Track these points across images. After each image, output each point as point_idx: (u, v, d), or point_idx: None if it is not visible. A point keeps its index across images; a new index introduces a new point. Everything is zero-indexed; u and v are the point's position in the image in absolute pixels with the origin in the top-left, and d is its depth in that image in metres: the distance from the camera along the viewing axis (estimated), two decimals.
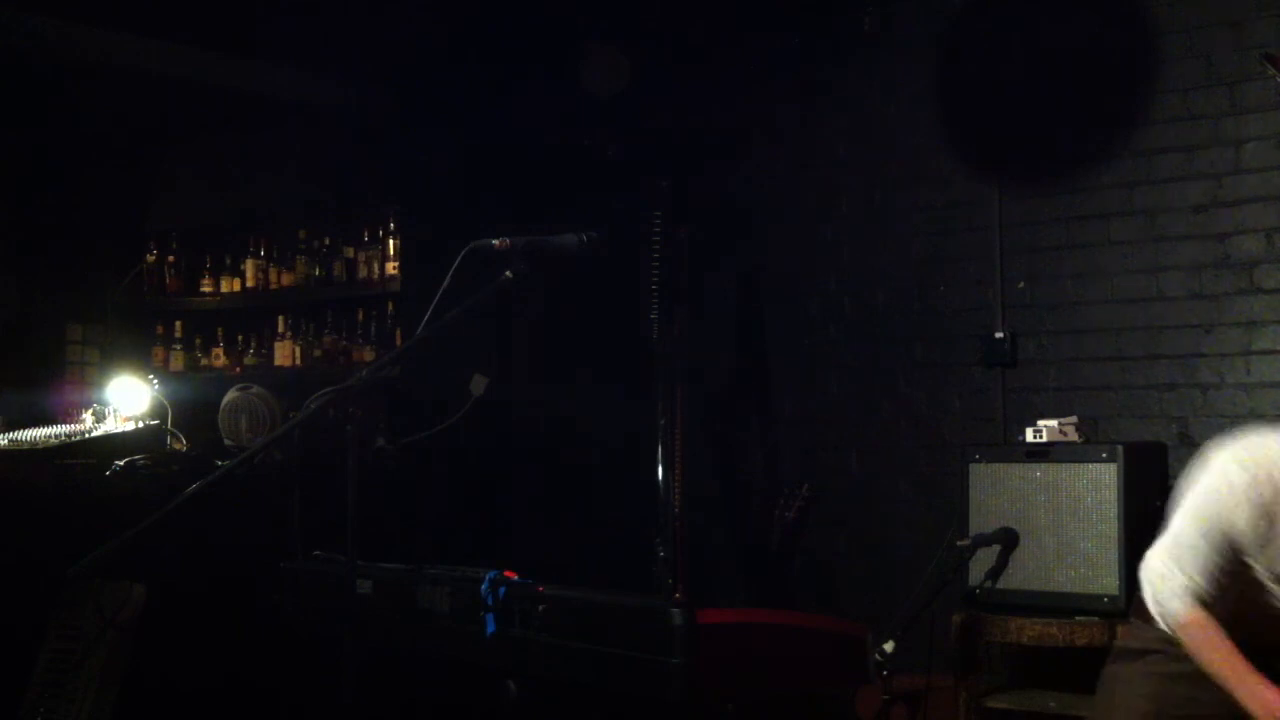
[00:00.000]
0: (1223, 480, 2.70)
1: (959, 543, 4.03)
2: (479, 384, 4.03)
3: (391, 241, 5.36)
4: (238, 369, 5.71)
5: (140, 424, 4.15)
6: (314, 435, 2.87)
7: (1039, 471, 3.99)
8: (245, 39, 5.00)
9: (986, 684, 4.08)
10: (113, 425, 4.13)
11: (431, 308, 2.52)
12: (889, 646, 3.70)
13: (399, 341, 5.25)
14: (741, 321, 5.30)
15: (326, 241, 5.62)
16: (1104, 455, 3.88)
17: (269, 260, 5.77)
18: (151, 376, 4.55)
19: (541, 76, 5.28)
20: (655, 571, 4.53)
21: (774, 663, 2.15)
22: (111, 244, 6.01)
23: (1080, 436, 4.13)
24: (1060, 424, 4.11)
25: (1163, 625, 2.73)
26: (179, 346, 5.90)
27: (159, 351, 5.93)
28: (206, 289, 5.92)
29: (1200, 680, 2.66)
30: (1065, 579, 3.89)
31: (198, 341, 5.91)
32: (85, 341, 5.87)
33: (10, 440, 4.05)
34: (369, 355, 5.35)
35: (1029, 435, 4.11)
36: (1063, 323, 4.51)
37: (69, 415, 4.33)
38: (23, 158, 5.39)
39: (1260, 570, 2.67)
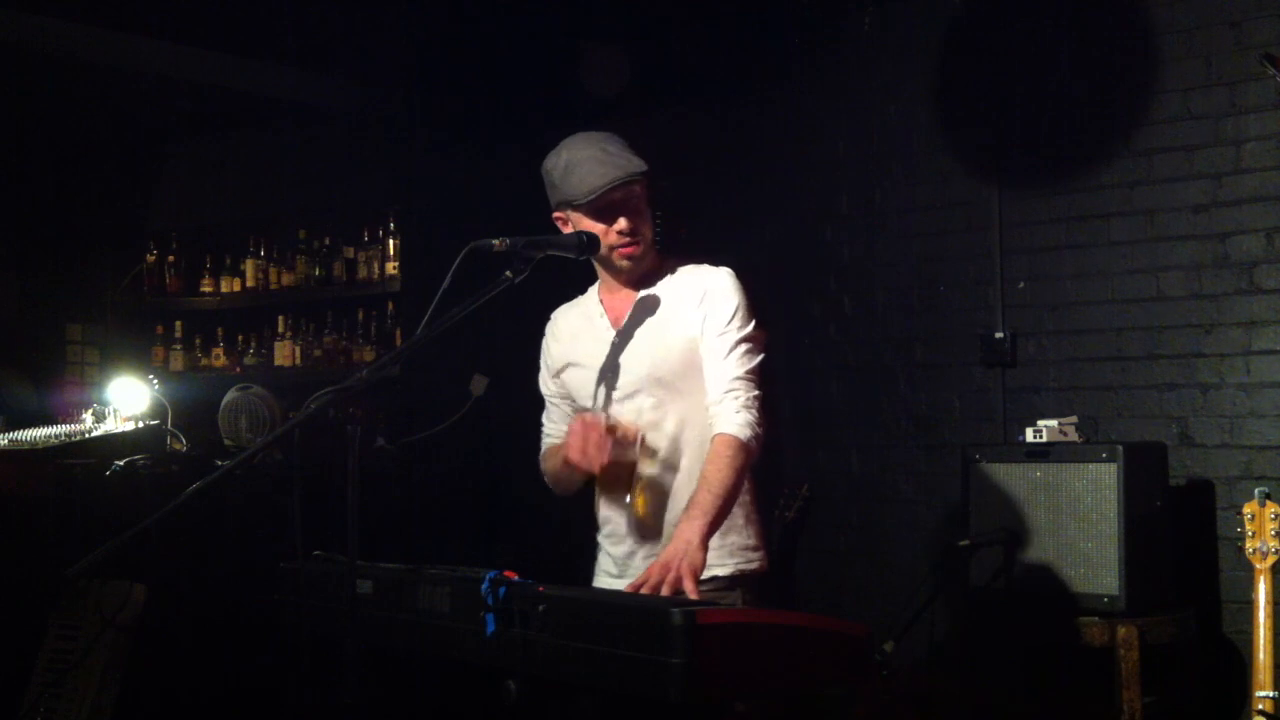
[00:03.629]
0: None
1: (959, 543, 4.04)
2: (479, 384, 4.03)
3: (391, 241, 5.36)
4: (238, 369, 5.72)
5: (140, 424, 4.14)
6: (314, 435, 2.87)
7: (1039, 471, 4.00)
8: (245, 39, 5.00)
9: (986, 684, 4.09)
10: (113, 425, 4.12)
11: (431, 308, 2.52)
12: (889, 646, 3.72)
13: (399, 341, 5.26)
14: None
15: (326, 241, 5.63)
16: (1104, 455, 3.89)
17: (269, 260, 5.77)
18: (151, 376, 4.54)
19: (541, 76, 5.28)
20: None
21: (774, 663, 2.15)
22: (111, 244, 6.01)
23: (1080, 436, 4.13)
24: (1060, 424, 4.11)
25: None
26: (179, 346, 5.90)
27: (159, 351, 5.93)
28: (206, 289, 5.93)
29: None
30: (1065, 579, 3.89)
31: (198, 341, 5.92)
32: (85, 341, 5.87)
33: (10, 440, 4.04)
34: (369, 355, 5.36)
35: (1029, 435, 4.11)
36: (1063, 323, 4.51)
37: (69, 415, 4.33)
38: (23, 157, 5.39)
39: None
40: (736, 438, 2.74)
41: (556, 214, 2.91)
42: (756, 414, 2.78)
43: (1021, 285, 4.61)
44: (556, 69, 5.28)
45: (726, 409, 2.78)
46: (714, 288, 2.88)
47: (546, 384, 3.08)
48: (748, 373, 2.81)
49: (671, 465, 2.87)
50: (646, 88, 5.23)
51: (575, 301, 3.08)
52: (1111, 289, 4.42)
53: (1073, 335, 4.49)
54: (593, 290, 3.04)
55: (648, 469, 2.87)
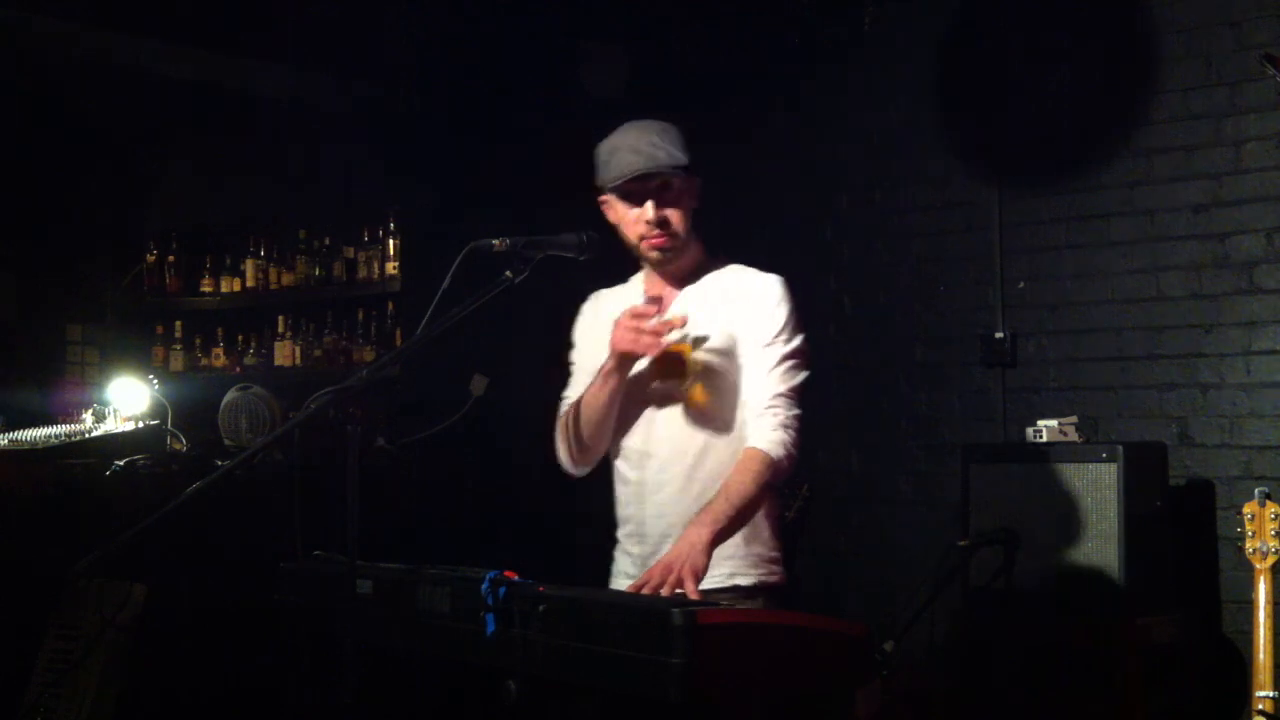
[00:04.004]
0: None
1: (959, 543, 4.04)
2: (479, 384, 4.04)
3: (391, 241, 5.36)
4: (238, 369, 5.71)
5: (140, 424, 4.14)
6: (314, 435, 2.87)
7: (1039, 471, 4.00)
8: (245, 39, 5.00)
9: (986, 684, 4.08)
10: (113, 425, 4.12)
11: (431, 308, 2.52)
12: (889, 647, 3.71)
13: (399, 341, 5.25)
14: None
15: (326, 241, 5.62)
16: (1104, 455, 3.89)
17: (269, 260, 5.77)
18: (151, 376, 4.54)
19: (541, 75, 5.28)
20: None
21: (774, 663, 2.15)
22: (111, 244, 6.00)
23: (1080, 436, 4.13)
24: (1060, 424, 4.11)
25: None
26: (179, 346, 5.90)
27: (159, 351, 5.93)
28: (206, 289, 5.92)
29: None
30: (1065, 579, 3.88)
31: (198, 341, 5.91)
32: (85, 341, 5.86)
33: (10, 440, 4.04)
34: (369, 355, 5.35)
35: (1029, 435, 4.11)
36: (1063, 323, 4.51)
37: (69, 415, 4.33)
38: (22, 157, 5.38)
39: None
40: (768, 454, 2.69)
41: (601, 196, 2.89)
42: (794, 434, 2.72)
43: (1021, 285, 4.61)
44: (556, 69, 5.28)
45: (763, 425, 2.72)
46: (762, 294, 2.84)
47: (577, 354, 3.03)
48: (790, 390, 2.76)
49: (730, 354, 2.81)
50: (646, 88, 5.23)
51: (617, 287, 3.05)
52: (1111, 289, 4.42)
53: (1073, 335, 4.49)
54: (637, 279, 3.01)
55: (702, 355, 2.81)
